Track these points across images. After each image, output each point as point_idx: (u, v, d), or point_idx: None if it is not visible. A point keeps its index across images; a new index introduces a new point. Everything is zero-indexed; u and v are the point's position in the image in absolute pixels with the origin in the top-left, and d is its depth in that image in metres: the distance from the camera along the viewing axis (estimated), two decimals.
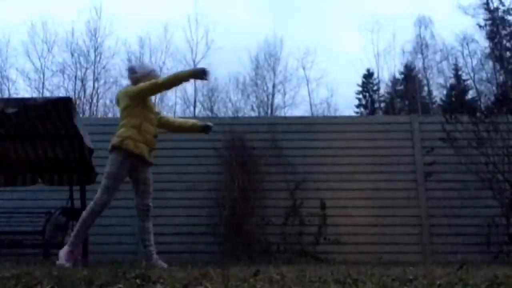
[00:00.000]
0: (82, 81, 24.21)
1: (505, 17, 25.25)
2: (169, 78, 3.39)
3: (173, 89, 3.61)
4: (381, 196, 5.78)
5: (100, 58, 24.70)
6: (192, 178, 5.89)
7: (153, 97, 3.79)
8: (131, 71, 3.62)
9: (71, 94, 23.26)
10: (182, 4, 36.07)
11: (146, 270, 2.30)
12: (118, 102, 3.53)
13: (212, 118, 13.19)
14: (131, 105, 3.38)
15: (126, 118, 3.38)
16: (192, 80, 3.57)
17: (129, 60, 25.47)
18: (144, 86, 3.36)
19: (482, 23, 25.44)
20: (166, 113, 23.08)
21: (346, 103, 38.23)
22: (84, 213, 3.23)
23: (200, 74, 3.34)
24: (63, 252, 3.12)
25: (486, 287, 1.68)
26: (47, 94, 22.87)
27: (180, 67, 25.95)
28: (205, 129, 3.81)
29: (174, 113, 24.35)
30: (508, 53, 24.66)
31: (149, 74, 3.55)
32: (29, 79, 23.93)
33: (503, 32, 24.88)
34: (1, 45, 24.09)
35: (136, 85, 3.43)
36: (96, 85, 24.43)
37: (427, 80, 27.28)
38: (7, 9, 30.88)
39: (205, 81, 3.52)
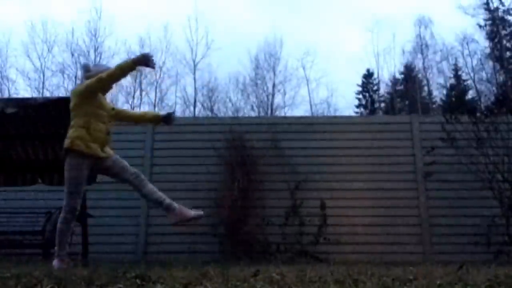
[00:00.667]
0: (82, 81, 24.20)
1: (505, 17, 25.25)
2: (114, 70, 3.28)
3: (121, 80, 3.54)
4: (381, 196, 5.78)
5: (100, 58, 24.72)
6: (192, 178, 5.89)
7: (109, 94, 3.71)
8: (85, 69, 3.58)
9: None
10: (182, 4, 36.06)
11: (146, 270, 2.30)
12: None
13: (212, 118, 13.23)
14: (79, 104, 3.32)
15: (74, 119, 3.33)
16: (140, 68, 3.49)
17: None
18: (90, 82, 3.29)
19: (482, 23, 25.47)
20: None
21: (346, 103, 38.26)
22: (59, 224, 3.21)
23: (144, 60, 3.26)
24: (56, 262, 3.13)
25: (486, 287, 1.68)
26: (47, 94, 22.88)
27: (180, 67, 26.01)
28: (167, 118, 3.74)
29: (174, 113, 24.32)
30: (508, 53, 24.66)
31: (104, 71, 3.41)
32: (29, 79, 23.94)
33: (503, 32, 24.89)
34: (1, 45, 24.11)
35: (83, 84, 3.36)
36: None
37: (427, 80, 27.30)
38: (7, 9, 30.88)
39: (151, 68, 3.44)
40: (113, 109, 3.59)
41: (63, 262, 3.13)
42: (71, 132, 3.31)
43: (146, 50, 25.90)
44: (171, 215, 3.27)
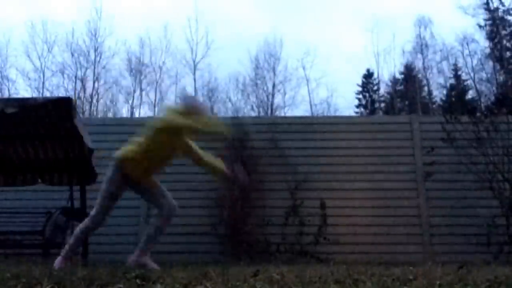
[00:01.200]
0: (82, 81, 24.24)
1: (505, 17, 25.25)
2: (203, 130, 3.17)
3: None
4: (381, 196, 5.78)
5: (100, 58, 24.77)
6: (192, 178, 5.89)
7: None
8: (182, 98, 3.50)
9: (71, 94, 23.29)
10: (182, 4, 36.08)
11: (146, 270, 2.30)
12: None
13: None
14: (159, 130, 3.21)
15: (147, 138, 3.22)
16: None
17: (129, 60, 25.47)
18: (179, 122, 3.16)
19: (482, 23, 25.48)
20: None
21: (346, 103, 38.29)
22: (79, 230, 3.21)
23: (233, 179, 3.32)
24: (58, 261, 3.13)
25: (486, 287, 1.68)
26: (47, 94, 22.90)
27: (180, 67, 26.01)
28: (227, 178, 3.59)
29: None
30: (508, 53, 24.67)
31: (197, 109, 3.31)
32: (29, 79, 23.99)
33: (503, 32, 24.89)
34: (1, 45, 24.12)
35: (175, 117, 3.21)
36: (96, 85, 24.47)
37: (427, 80, 27.31)
38: (7, 9, 30.89)
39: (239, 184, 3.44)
40: (189, 146, 3.45)
41: (65, 260, 3.13)
42: (132, 147, 3.23)
43: (147, 50, 25.82)
44: (137, 254, 3.24)
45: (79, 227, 3.23)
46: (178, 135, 3.27)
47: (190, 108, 3.30)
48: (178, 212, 3.36)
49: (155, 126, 3.23)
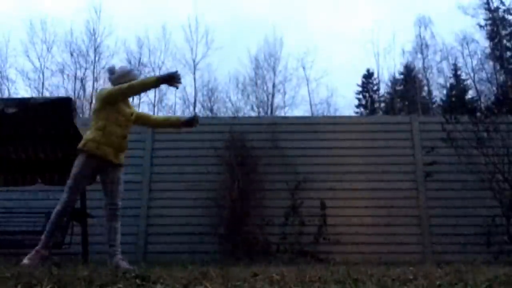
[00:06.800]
0: (81, 81, 24.22)
1: (505, 17, 25.24)
2: (136, 84, 3.41)
3: (141, 93, 3.64)
4: (381, 196, 5.78)
5: (99, 58, 24.72)
6: (192, 178, 5.89)
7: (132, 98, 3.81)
8: (110, 72, 3.71)
9: (70, 94, 23.27)
10: (182, 4, 36.07)
11: (146, 270, 2.30)
12: None
13: (212, 118, 13.20)
14: (99, 108, 3.45)
15: (93, 121, 3.45)
16: (165, 86, 3.56)
17: (129, 60, 25.48)
18: (112, 90, 3.43)
19: (482, 23, 25.46)
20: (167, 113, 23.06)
21: (346, 103, 38.25)
22: (52, 215, 3.27)
23: (170, 80, 3.33)
24: (29, 257, 3.11)
25: (486, 287, 1.68)
26: (46, 94, 22.89)
27: (180, 67, 25.97)
28: (191, 121, 3.79)
29: (174, 113, 24.35)
30: (508, 53, 24.64)
31: (127, 75, 3.59)
32: (29, 79, 23.95)
33: (503, 32, 24.87)
34: (0, 45, 24.10)
35: (107, 89, 3.50)
36: (95, 85, 24.42)
37: (427, 80, 27.28)
38: (6, 9, 30.88)
39: (175, 87, 3.46)
40: (132, 114, 3.65)
41: (37, 253, 3.12)
42: (87, 134, 3.42)
43: (146, 50, 25.89)
44: (109, 261, 3.33)
45: (52, 216, 3.27)
46: (116, 102, 3.46)
47: (121, 77, 3.56)
48: (119, 213, 3.45)
49: (95, 107, 3.50)
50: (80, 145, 3.38)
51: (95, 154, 3.33)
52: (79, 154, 3.37)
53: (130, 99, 3.84)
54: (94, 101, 3.52)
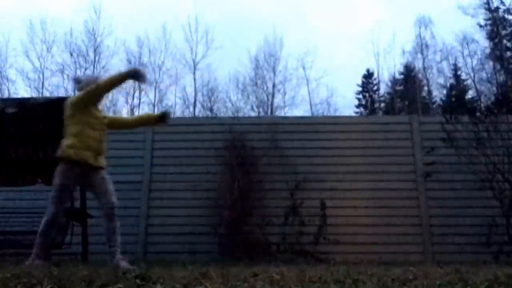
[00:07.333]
0: (74, 93, 24.16)
1: (506, 17, 25.24)
2: (104, 82, 3.42)
3: (110, 91, 3.61)
4: (381, 196, 5.78)
5: (99, 58, 24.70)
6: (192, 178, 5.89)
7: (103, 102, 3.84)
8: (76, 81, 3.71)
9: (70, 94, 23.24)
10: (182, 3, 36.07)
11: (146, 270, 2.30)
12: None
13: (212, 118, 13.25)
14: (72, 115, 3.42)
15: (67, 128, 3.43)
16: (131, 81, 3.58)
17: (129, 60, 25.46)
18: (82, 93, 3.42)
19: (482, 23, 25.46)
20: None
21: (346, 103, 38.20)
22: (41, 226, 3.29)
23: (135, 75, 3.37)
24: (28, 263, 3.14)
25: (486, 287, 1.68)
26: (46, 94, 22.86)
27: (180, 67, 25.99)
28: (163, 117, 3.83)
29: (174, 113, 24.35)
30: (508, 53, 24.64)
31: (93, 82, 3.56)
32: (29, 79, 23.92)
33: (503, 32, 24.87)
34: (0, 45, 24.09)
35: (75, 96, 3.49)
36: None
37: (427, 80, 27.27)
38: (6, 9, 30.87)
39: (142, 83, 3.49)
40: (104, 117, 3.65)
41: (34, 262, 3.14)
42: (63, 141, 3.39)
43: (146, 50, 25.89)
44: (110, 261, 3.32)
45: (41, 226, 3.29)
46: (87, 105, 3.45)
47: (88, 86, 3.51)
48: (117, 212, 3.41)
49: (67, 113, 3.45)
50: (58, 153, 3.34)
51: (74, 160, 3.31)
52: (59, 164, 3.33)
53: (103, 104, 3.86)
54: (64, 110, 3.64)
